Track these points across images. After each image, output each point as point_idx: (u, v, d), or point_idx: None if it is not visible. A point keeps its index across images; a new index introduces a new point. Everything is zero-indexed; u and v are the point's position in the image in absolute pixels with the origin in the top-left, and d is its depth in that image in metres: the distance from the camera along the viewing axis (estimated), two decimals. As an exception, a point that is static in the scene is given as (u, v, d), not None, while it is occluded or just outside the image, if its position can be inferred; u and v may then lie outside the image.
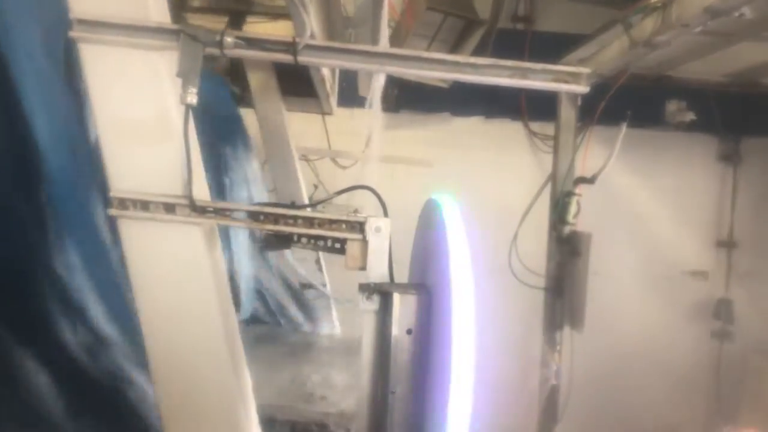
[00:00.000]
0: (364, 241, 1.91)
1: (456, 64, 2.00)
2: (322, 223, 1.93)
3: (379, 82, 3.88)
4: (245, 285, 3.79)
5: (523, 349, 6.63)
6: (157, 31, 1.85)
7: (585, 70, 2.02)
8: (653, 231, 6.80)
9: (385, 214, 2.03)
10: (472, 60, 2.00)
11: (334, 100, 4.99)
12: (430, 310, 1.82)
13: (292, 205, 1.96)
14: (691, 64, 5.22)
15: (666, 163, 6.75)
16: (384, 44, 3.23)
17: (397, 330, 1.80)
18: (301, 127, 5.50)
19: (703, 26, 3.58)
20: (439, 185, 5.75)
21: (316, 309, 4.46)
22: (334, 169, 5.96)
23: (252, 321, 4.23)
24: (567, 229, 4.79)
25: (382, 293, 1.87)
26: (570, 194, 4.78)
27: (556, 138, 5.18)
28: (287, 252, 4.19)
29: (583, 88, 2.02)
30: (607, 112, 4.54)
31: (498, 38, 5.49)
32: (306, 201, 4.41)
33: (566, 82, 2.01)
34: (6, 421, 1.99)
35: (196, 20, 4.30)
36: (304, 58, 1.94)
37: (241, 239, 3.64)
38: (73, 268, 2.03)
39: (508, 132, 6.66)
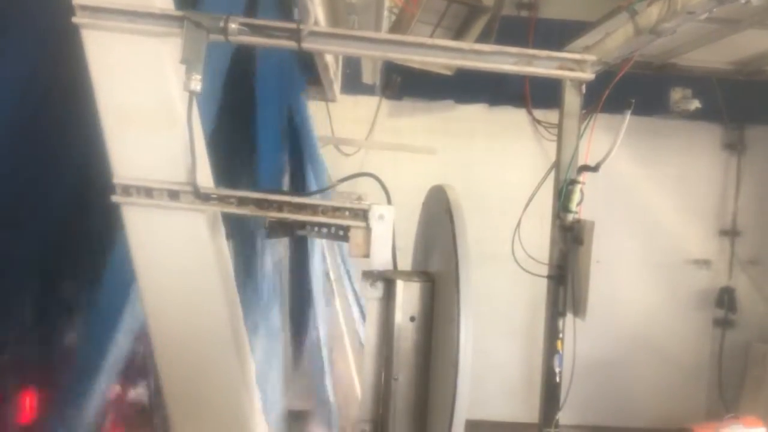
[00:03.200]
0: (368, 229, 1.92)
1: (460, 50, 1.99)
2: (326, 210, 1.93)
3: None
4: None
5: (525, 336, 6.66)
6: (161, 17, 1.85)
7: (590, 57, 2.01)
8: (656, 219, 6.79)
9: (389, 201, 2.03)
10: (477, 47, 1.99)
11: (337, 87, 4.97)
12: (433, 298, 1.82)
13: (297, 193, 1.95)
14: (696, 51, 5.18)
15: (670, 151, 6.73)
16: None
17: (400, 317, 1.80)
18: (304, 114, 5.49)
19: (709, 13, 3.55)
20: (443, 172, 5.76)
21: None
22: (337, 157, 5.96)
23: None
24: (570, 217, 4.78)
25: (386, 280, 1.88)
26: (573, 182, 4.77)
27: (560, 126, 5.15)
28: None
29: (588, 76, 2.01)
30: (611, 99, 4.51)
31: (502, 25, 5.46)
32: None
33: (571, 69, 2.00)
34: None
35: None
36: (308, 45, 1.94)
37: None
38: None
39: (512, 119, 6.64)
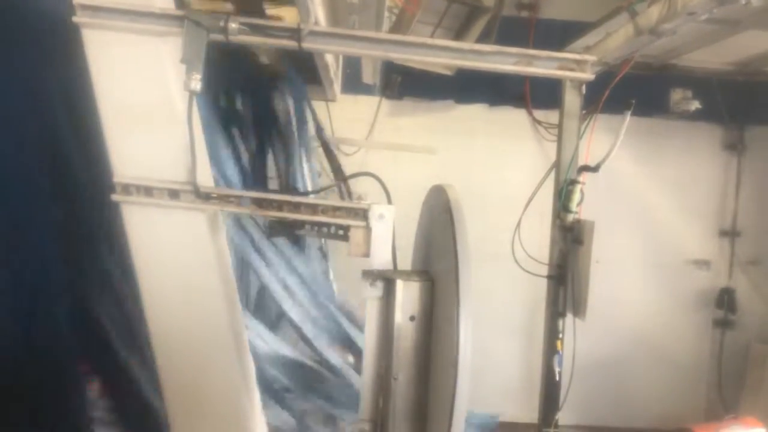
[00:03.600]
0: (368, 228, 1.92)
1: (461, 50, 2.00)
2: (326, 209, 1.93)
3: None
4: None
5: (525, 336, 6.66)
6: (161, 16, 1.85)
7: (590, 57, 2.01)
8: (656, 220, 6.78)
9: (389, 201, 2.03)
10: (477, 47, 1.99)
11: (337, 86, 4.97)
12: (433, 297, 1.82)
13: (296, 192, 1.96)
14: (697, 52, 5.18)
15: (670, 151, 6.73)
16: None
17: (400, 317, 1.80)
18: (304, 113, 5.48)
19: (709, 14, 3.55)
20: (443, 172, 5.75)
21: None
22: (337, 156, 5.96)
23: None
24: (570, 218, 4.78)
25: (386, 280, 1.88)
26: (574, 182, 4.76)
27: (560, 126, 5.15)
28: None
29: (588, 76, 2.01)
30: (611, 100, 4.51)
31: (502, 25, 5.46)
32: (310, 188, 4.40)
33: (571, 69, 2.01)
34: None
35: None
36: (308, 45, 1.94)
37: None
38: None
39: (512, 119, 6.64)
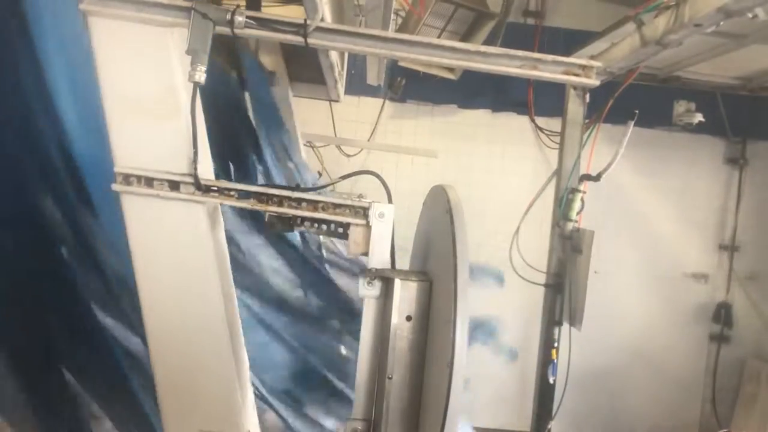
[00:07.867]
0: (368, 227, 1.91)
1: (466, 52, 1.99)
2: (327, 206, 1.93)
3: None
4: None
5: (521, 344, 6.64)
6: (168, 7, 1.85)
7: (596, 63, 2.01)
8: (656, 231, 6.78)
9: (390, 200, 2.02)
10: (483, 48, 1.98)
11: (341, 87, 4.96)
12: (430, 298, 1.82)
13: (297, 188, 1.95)
14: (701, 65, 5.18)
15: (672, 163, 6.74)
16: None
17: (396, 316, 1.79)
18: (307, 113, 5.49)
19: (716, 26, 3.55)
20: (444, 176, 5.76)
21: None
22: (339, 157, 5.98)
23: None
24: (570, 226, 4.77)
25: (384, 279, 1.87)
26: (574, 191, 4.76)
27: (562, 134, 5.16)
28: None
29: (593, 82, 2.01)
30: (614, 110, 4.52)
31: (508, 32, 5.47)
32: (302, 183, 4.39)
33: (576, 74, 2.00)
34: None
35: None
36: (314, 41, 1.93)
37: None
38: None
39: (515, 126, 6.65)
